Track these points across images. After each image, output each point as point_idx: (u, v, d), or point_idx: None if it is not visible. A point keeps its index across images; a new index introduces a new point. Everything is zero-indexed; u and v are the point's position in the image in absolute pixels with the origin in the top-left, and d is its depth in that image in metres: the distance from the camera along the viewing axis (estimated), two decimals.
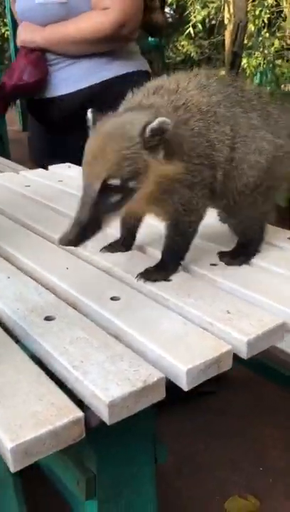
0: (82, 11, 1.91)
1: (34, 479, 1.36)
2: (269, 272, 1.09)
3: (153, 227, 1.19)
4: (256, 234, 1.18)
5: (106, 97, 1.93)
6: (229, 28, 3.70)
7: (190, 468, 1.91)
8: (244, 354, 0.82)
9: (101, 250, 1.18)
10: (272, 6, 4.27)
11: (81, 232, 0.89)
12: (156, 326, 0.86)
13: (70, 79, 2.03)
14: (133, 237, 1.21)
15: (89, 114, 0.99)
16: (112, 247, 1.19)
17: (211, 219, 1.24)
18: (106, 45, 1.97)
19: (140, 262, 1.11)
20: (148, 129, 0.88)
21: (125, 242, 1.21)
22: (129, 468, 1.02)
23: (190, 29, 4.50)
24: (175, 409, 2.14)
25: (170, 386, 0.76)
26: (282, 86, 4.44)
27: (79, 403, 0.72)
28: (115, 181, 0.88)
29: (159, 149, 0.90)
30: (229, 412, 2.18)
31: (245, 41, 4.59)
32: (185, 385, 0.75)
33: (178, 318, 0.89)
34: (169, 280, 1.03)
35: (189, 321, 0.88)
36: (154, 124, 0.88)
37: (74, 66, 2.02)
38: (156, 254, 1.12)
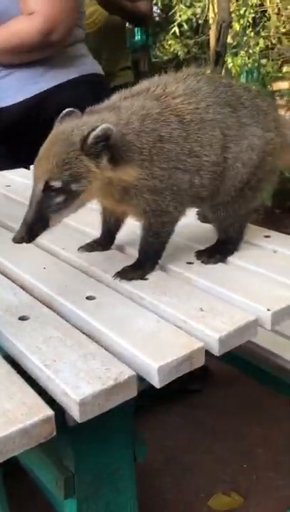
0: (12, 15, 1.76)
1: (18, 479, 1.36)
2: (245, 270, 1.10)
3: (134, 226, 1.20)
4: (237, 232, 1.19)
5: (47, 107, 1.84)
6: (214, 27, 3.72)
7: (175, 466, 1.92)
8: (216, 351, 0.83)
9: (78, 249, 1.18)
10: (256, 6, 4.30)
11: (29, 230, 0.92)
12: (130, 325, 0.87)
13: (7, 90, 1.91)
14: (113, 237, 1.22)
15: (63, 112, 1.00)
16: (90, 247, 1.19)
17: (189, 218, 1.25)
18: (37, 54, 1.82)
19: (118, 261, 1.12)
20: (91, 136, 0.90)
21: (104, 242, 1.21)
22: (108, 466, 1.03)
23: (175, 28, 4.53)
24: (161, 407, 2.15)
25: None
26: (268, 86, 4.48)
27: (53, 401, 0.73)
28: (56, 183, 0.91)
29: (102, 155, 0.92)
30: (214, 409, 2.19)
31: (231, 40, 4.62)
32: (157, 383, 0.76)
33: (152, 316, 0.90)
34: (146, 279, 1.03)
35: (163, 319, 0.89)
36: (97, 131, 0.90)
37: (11, 76, 1.90)
38: (134, 254, 1.12)
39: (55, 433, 0.67)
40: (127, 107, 0.98)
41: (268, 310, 0.91)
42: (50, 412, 0.67)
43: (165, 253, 1.10)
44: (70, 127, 0.94)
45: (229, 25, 3.55)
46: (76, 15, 1.83)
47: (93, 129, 0.90)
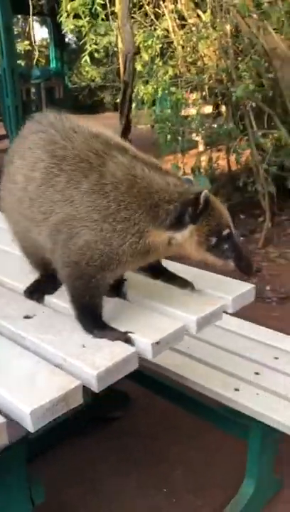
0: None
1: None
2: (132, 303, 1.12)
3: None
4: None
5: None
6: (121, 57, 3.85)
7: (94, 498, 1.88)
8: (94, 387, 0.84)
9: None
10: (163, 37, 4.50)
11: None
12: (9, 368, 0.85)
13: None
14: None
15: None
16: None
17: None
18: None
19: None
20: None
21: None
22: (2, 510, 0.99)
23: (87, 57, 4.63)
24: (79, 438, 2.11)
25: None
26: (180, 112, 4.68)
27: None
28: None
29: None
30: (134, 435, 2.18)
31: (141, 69, 4.78)
32: (30, 427, 0.75)
33: (32, 357, 0.89)
34: (30, 317, 1.03)
35: (43, 359, 0.88)
36: None
37: None
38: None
39: None
40: None
41: (153, 341, 0.93)
42: None
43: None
44: None
45: (135, 55, 3.70)
46: None
47: None
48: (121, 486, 1.95)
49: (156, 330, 0.96)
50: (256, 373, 1.66)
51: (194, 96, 4.77)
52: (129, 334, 0.94)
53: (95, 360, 0.86)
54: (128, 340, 0.94)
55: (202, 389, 1.62)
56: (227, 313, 1.91)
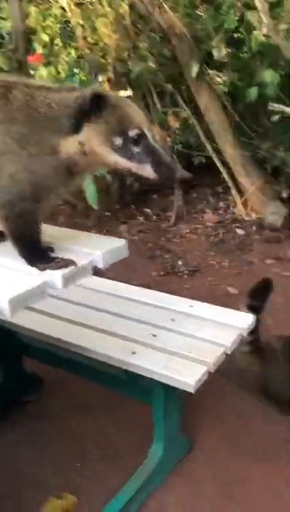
0: None
1: None
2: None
3: None
4: None
5: None
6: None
7: (12, 479, 1.83)
8: None
9: None
10: (60, 16, 4.40)
11: None
12: None
13: None
14: None
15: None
16: None
17: None
18: None
19: None
20: None
21: None
22: None
23: None
24: None
25: None
26: None
27: None
28: None
29: None
30: (49, 415, 2.15)
31: (42, 50, 4.64)
32: None
33: None
34: None
35: None
36: None
37: None
38: None
39: None
40: None
41: (9, 298, 0.90)
42: None
43: None
44: None
45: (29, 35, 3.59)
46: None
47: None
48: (37, 468, 1.92)
49: (14, 286, 0.93)
50: (153, 335, 1.68)
51: (100, 78, 4.72)
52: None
53: None
54: (71, 264, 0.98)
55: (100, 356, 1.61)
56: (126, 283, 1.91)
